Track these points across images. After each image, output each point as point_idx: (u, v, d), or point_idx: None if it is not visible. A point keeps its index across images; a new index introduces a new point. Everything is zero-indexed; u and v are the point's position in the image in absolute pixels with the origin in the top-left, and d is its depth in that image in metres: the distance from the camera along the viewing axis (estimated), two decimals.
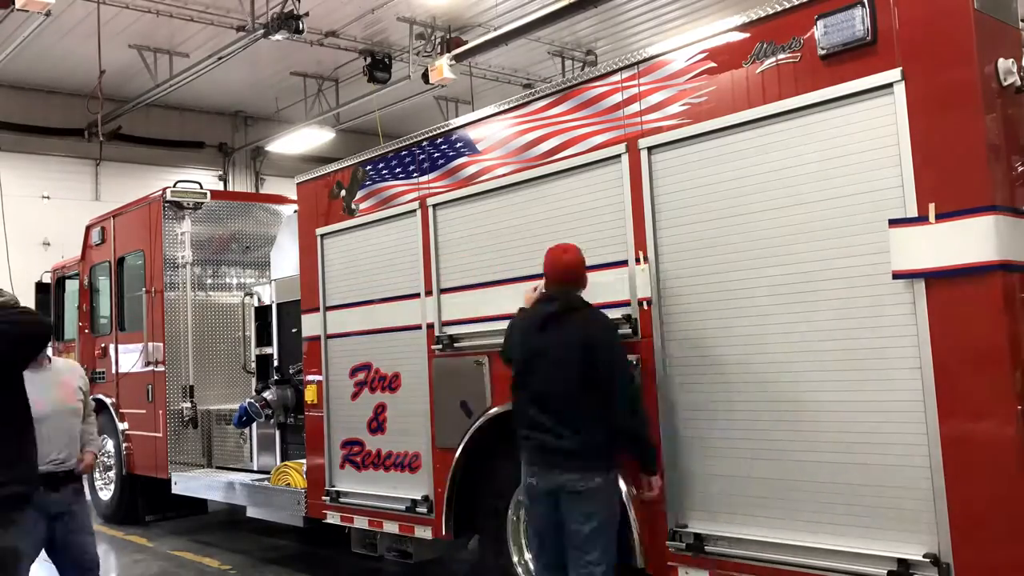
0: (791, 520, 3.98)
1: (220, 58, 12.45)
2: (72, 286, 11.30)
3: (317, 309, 6.82)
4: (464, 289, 5.61)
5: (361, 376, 6.41)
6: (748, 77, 4.16)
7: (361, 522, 6.29)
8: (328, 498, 6.54)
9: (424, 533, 5.81)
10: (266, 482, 7.59)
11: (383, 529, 6.12)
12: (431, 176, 5.88)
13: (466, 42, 12.88)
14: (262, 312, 8.43)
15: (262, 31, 11.59)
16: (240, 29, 12.05)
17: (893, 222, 3.64)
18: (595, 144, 4.82)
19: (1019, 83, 3.58)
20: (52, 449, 4.70)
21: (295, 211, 7.65)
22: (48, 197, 15.22)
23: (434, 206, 5.83)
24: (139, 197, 9.99)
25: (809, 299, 3.93)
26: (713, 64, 4.31)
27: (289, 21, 11.25)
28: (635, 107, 4.63)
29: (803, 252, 3.94)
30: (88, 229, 10.87)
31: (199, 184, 9.78)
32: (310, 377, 6.92)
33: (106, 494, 10.29)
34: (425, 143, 5.96)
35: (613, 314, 4.66)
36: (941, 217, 3.52)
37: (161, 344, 9.23)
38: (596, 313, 4.41)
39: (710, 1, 13.06)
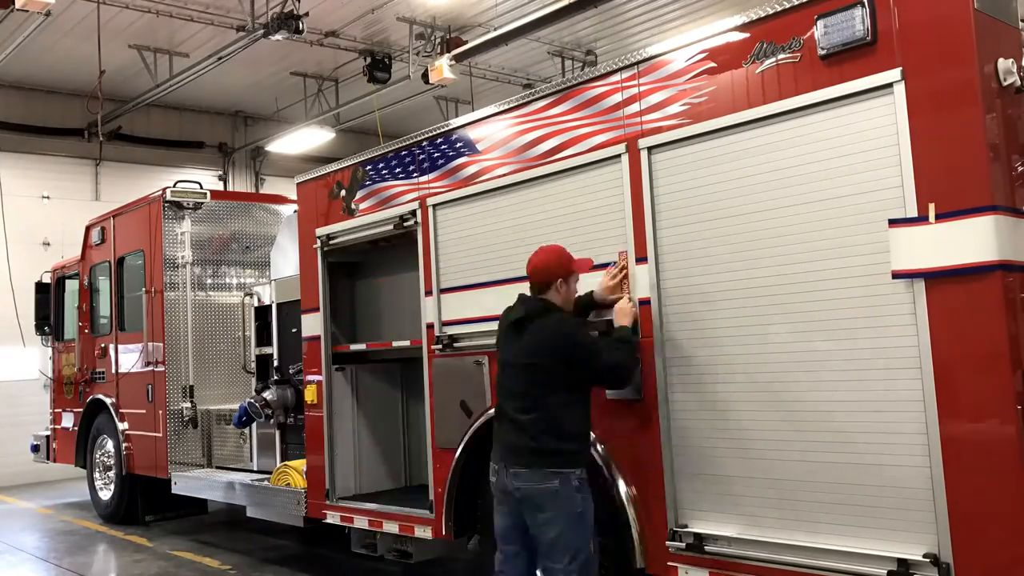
0: (791, 520, 3.98)
1: (220, 58, 12.43)
2: (72, 286, 11.31)
3: (317, 309, 6.83)
4: (464, 289, 5.61)
5: None
6: (748, 77, 4.16)
7: (361, 522, 6.29)
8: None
9: (424, 533, 5.81)
10: (266, 482, 7.60)
11: (383, 529, 6.13)
12: (431, 176, 5.88)
13: (466, 42, 12.86)
14: (262, 312, 8.43)
15: (262, 31, 11.58)
16: (240, 29, 12.04)
17: (893, 222, 3.64)
18: (595, 144, 4.82)
19: (1019, 83, 3.58)
20: None
21: (295, 211, 7.65)
22: (48, 197, 15.21)
23: (434, 206, 5.83)
24: (139, 197, 10.00)
25: (809, 299, 3.93)
26: (713, 64, 4.31)
27: (289, 21, 11.23)
28: (635, 107, 4.63)
29: (803, 252, 3.94)
30: (88, 229, 10.87)
31: (199, 184, 9.79)
32: (310, 377, 6.92)
33: (106, 494, 10.31)
34: (425, 143, 5.95)
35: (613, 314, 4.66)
36: (941, 217, 3.52)
37: (161, 344, 9.24)
38: (554, 319, 4.40)
39: (710, 1, 13.05)
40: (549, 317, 4.39)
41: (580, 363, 4.26)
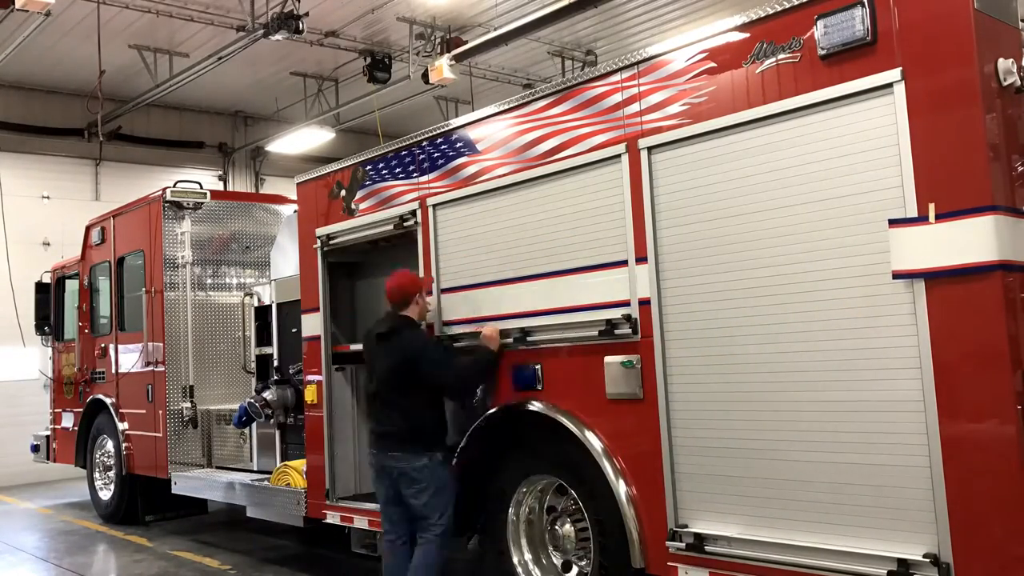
0: (791, 520, 3.99)
1: (220, 58, 12.43)
2: (72, 286, 11.31)
3: (317, 309, 6.83)
4: (464, 289, 5.62)
5: None
6: (748, 77, 4.16)
7: (361, 522, 6.29)
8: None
9: None
10: (266, 482, 7.60)
11: (383, 529, 6.12)
12: (431, 176, 5.88)
13: (466, 42, 12.85)
14: (262, 312, 8.42)
15: (262, 31, 11.58)
16: (240, 29, 12.03)
17: (893, 222, 3.64)
18: (595, 144, 4.82)
19: (1019, 83, 3.58)
20: None
21: (295, 211, 7.65)
22: (48, 197, 15.20)
23: (434, 206, 5.83)
24: (139, 197, 10.00)
25: (809, 299, 3.93)
26: (713, 64, 4.31)
27: (289, 21, 11.23)
28: (635, 107, 4.63)
29: (803, 252, 3.94)
30: (88, 229, 10.87)
31: (199, 184, 9.78)
32: (310, 377, 6.92)
33: (106, 494, 10.31)
34: (425, 143, 5.95)
35: (613, 314, 4.67)
36: (941, 217, 3.52)
37: (161, 344, 9.24)
38: (409, 333, 5.39)
39: (710, 1, 13.04)
40: (406, 332, 5.39)
41: (427, 372, 5.27)
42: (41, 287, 11.90)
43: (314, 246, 6.86)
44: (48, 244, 14.71)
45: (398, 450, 5.28)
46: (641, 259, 4.57)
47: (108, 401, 10.06)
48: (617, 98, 4.73)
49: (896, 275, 3.63)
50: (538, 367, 5.14)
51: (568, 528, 5.21)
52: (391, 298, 5.50)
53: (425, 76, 13.12)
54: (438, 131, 5.91)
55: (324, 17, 12.76)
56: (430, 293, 5.70)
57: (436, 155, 5.86)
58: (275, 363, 8.02)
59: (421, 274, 5.87)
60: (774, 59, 4.07)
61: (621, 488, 4.63)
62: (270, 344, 8.15)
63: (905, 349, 3.62)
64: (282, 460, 7.82)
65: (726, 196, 4.23)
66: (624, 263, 4.67)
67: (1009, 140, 3.59)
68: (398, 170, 6.16)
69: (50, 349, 11.92)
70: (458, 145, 5.71)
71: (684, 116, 4.41)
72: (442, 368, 5.32)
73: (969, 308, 3.48)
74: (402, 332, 5.38)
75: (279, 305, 8.03)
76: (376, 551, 6.35)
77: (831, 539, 3.84)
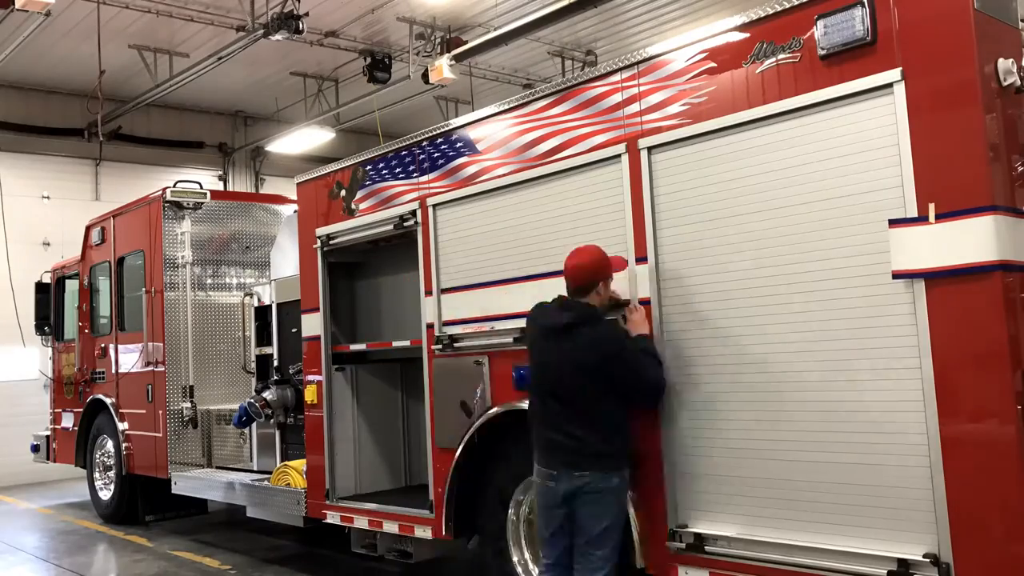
0: (791, 520, 3.98)
1: (220, 58, 12.42)
2: (72, 286, 11.31)
3: (317, 309, 6.83)
4: (464, 289, 5.61)
5: None
6: (748, 77, 4.16)
7: (361, 522, 6.29)
8: None
9: (424, 533, 5.81)
10: (266, 482, 7.60)
11: (383, 529, 6.13)
12: (431, 176, 5.88)
13: (466, 42, 12.85)
14: (262, 312, 8.43)
15: (262, 31, 11.57)
16: (240, 29, 12.03)
17: (893, 222, 3.64)
18: (595, 144, 4.82)
19: (1019, 83, 3.58)
20: None
21: (295, 211, 7.65)
22: (48, 197, 15.20)
23: (434, 206, 5.83)
24: (139, 197, 10.00)
25: (809, 299, 3.93)
26: (713, 64, 4.31)
27: (289, 21, 11.23)
28: (635, 107, 4.63)
29: (803, 252, 3.94)
30: (88, 229, 10.87)
31: (199, 184, 9.79)
32: (310, 377, 6.92)
33: (106, 494, 10.31)
34: (425, 143, 5.95)
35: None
36: (941, 217, 3.52)
37: (161, 344, 9.24)
38: (604, 327, 4.40)
39: (710, 1, 13.04)
40: (599, 325, 4.39)
41: (621, 376, 4.30)
42: (41, 287, 11.90)
43: (314, 246, 6.86)
44: (48, 244, 14.71)
45: (585, 468, 4.28)
46: (641, 259, 4.57)
47: (108, 401, 10.06)
48: (617, 98, 4.73)
49: (896, 275, 3.63)
50: None
51: None
52: (574, 280, 4.47)
53: (425, 76, 13.12)
54: (438, 131, 5.91)
55: (324, 17, 12.76)
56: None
57: (436, 155, 5.86)
58: (275, 363, 8.03)
59: (421, 274, 5.87)
60: (774, 59, 4.07)
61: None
62: (270, 344, 8.15)
63: (905, 349, 3.62)
64: (282, 460, 7.83)
65: (726, 196, 4.23)
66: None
67: (1009, 140, 3.59)
68: (398, 170, 6.16)
69: (50, 349, 11.92)
70: (458, 145, 5.71)
71: (684, 116, 4.41)
72: (647, 371, 4.38)
73: (969, 308, 3.48)
74: (594, 325, 4.36)
75: (279, 305, 8.03)
76: (376, 551, 6.36)
77: (831, 539, 3.83)
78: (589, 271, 4.43)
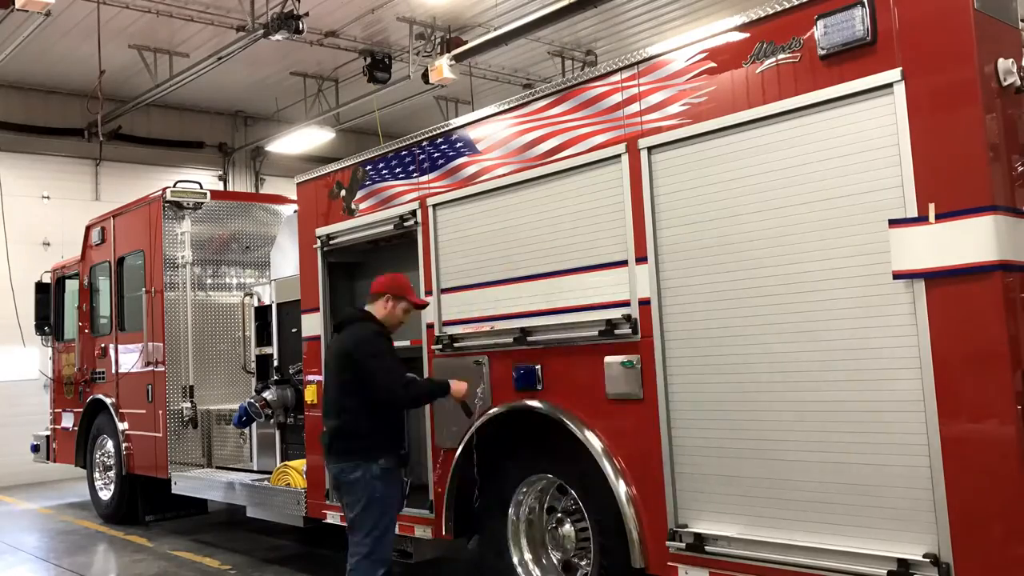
0: (791, 520, 3.99)
1: (220, 58, 12.42)
2: (72, 286, 11.31)
3: (317, 309, 6.83)
4: (464, 289, 5.62)
5: None
6: (748, 77, 4.16)
7: None
8: None
9: (424, 533, 5.81)
10: (266, 482, 7.60)
11: None
12: (431, 176, 5.88)
13: (466, 42, 12.86)
14: (262, 312, 8.43)
15: (262, 31, 11.57)
16: (240, 29, 12.03)
17: (893, 222, 3.64)
18: (595, 144, 4.82)
19: (1019, 83, 3.58)
20: None
21: (295, 211, 7.66)
22: (48, 197, 15.20)
23: (434, 206, 5.83)
24: (139, 197, 10.00)
25: (809, 299, 3.93)
26: (713, 64, 4.31)
27: (289, 21, 11.23)
28: (635, 107, 4.63)
29: (803, 252, 3.94)
30: (88, 229, 10.87)
31: (199, 184, 9.79)
32: (310, 377, 6.92)
33: (106, 494, 10.31)
34: (425, 143, 5.95)
35: (613, 314, 4.67)
36: (941, 217, 3.52)
37: (161, 344, 9.24)
38: (360, 328, 4.99)
39: (710, 1, 13.04)
40: (357, 325, 5.00)
41: (360, 370, 4.82)
42: (41, 287, 11.90)
43: (314, 246, 6.86)
44: (48, 244, 14.71)
45: (336, 457, 4.90)
46: (641, 259, 4.57)
47: (108, 401, 10.06)
48: (617, 98, 4.73)
49: (896, 275, 3.63)
50: (538, 367, 5.14)
51: (568, 528, 5.21)
52: (371, 288, 5.22)
53: (425, 76, 13.12)
54: (438, 131, 5.91)
55: (324, 17, 12.76)
56: (410, 310, 5.24)
57: (436, 155, 5.86)
58: (275, 363, 8.03)
59: (421, 274, 5.87)
60: (774, 59, 4.07)
61: (621, 488, 4.63)
62: (270, 344, 8.15)
63: (905, 349, 3.62)
64: (282, 460, 7.83)
65: (726, 196, 4.23)
66: (624, 263, 4.67)
67: (1009, 140, 3.59)
68: (398, 170, 6.16)
69: (50, 349, 11.92)
70: (458, 145, 5.71)
71: (684, 116, 4.41)
72: (379, 373, 4.82)
73: (969, 308, 3.48)
74: (355, 325, 5.03)
75: (279, 305, 8.03)
76: None
77: (831, 539, 3.84)
78: (382, 283, 5.13)
